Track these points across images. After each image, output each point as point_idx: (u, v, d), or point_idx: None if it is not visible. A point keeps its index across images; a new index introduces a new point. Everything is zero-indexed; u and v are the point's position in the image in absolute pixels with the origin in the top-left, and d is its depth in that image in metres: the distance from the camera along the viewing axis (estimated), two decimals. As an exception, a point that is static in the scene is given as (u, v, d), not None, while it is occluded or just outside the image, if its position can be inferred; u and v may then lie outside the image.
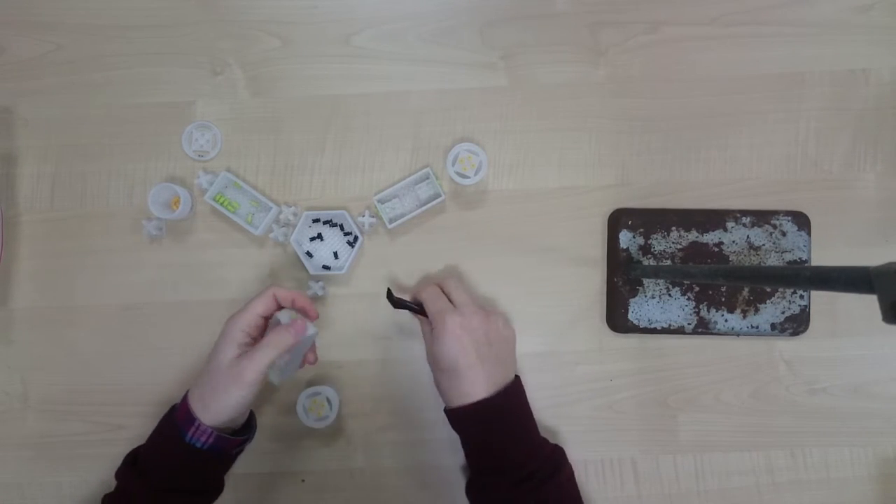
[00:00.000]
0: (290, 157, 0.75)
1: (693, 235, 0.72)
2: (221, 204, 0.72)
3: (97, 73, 0.75)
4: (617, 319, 0.72)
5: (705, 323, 0.71)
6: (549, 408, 0.73)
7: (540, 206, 0.74)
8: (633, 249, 0.72)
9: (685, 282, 0.72)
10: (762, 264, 0.72)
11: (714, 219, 0.72)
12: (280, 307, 0.62)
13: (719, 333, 0.72)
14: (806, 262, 0.72)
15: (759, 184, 0.75)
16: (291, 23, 0.76)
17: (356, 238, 0.72)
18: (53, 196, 0.74)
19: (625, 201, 0.74)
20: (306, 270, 0.72)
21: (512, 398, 0.63)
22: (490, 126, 0.75)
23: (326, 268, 0.72)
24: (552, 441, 0.65)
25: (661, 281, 0.72)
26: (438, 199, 0.72)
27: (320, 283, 0.72)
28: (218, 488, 0.62)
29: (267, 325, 0.61)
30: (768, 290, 0.72)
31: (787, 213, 0.73)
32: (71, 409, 0.73)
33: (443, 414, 0.63)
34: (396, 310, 0.66)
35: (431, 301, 0.63)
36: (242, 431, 0.61)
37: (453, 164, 0.72)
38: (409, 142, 0.75)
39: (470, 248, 0.74)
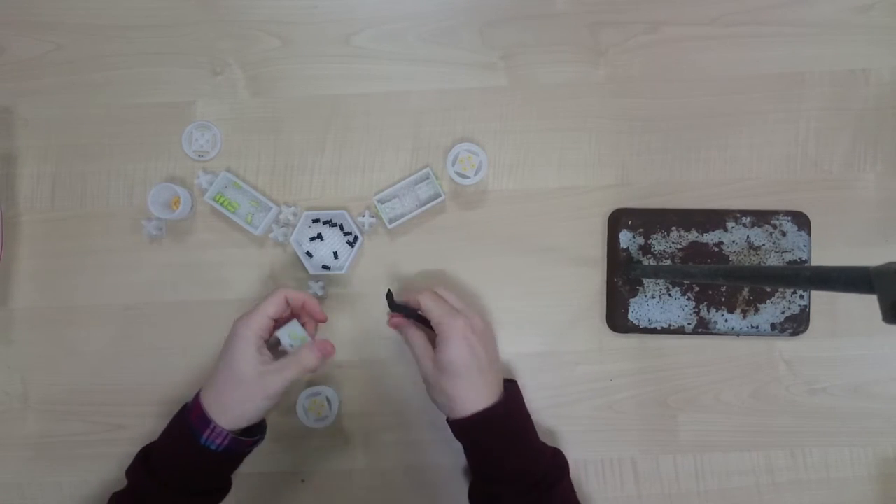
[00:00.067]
0: (290, 157, 0.75)
1: (693, 235, 0.72)
2: (221, 204, 0.72)
3: (97, 73, 0.75)
4: (617, 319, 0.72)
5: (705, 323, 0.71)
6: (549, 408, 0.73)
7: (540, 206, 0.74)
8: (633, 249, 0.72)
9: (685, 282, 0.72)
10: (762, 264, 0.72)
11: (714, 219, 0.72)
12: (289, 308, 0.62)
13: (719, 333, 0.72)
14: (806, 262, 0.72)
15: (759, 184, 0.75)
16: (291, 23, 0.76)
17: (356, 238, 0.72)
18: (53, 196, 0.74)
19: (625, 201, 0.74)
20: (306, 270, 0.72)
21: (515, 403, 0.63)
22: (490, 126, 0.75)
23: (326, 268, 0.72)
24: (549, 442, 0.66)
25: (661, 281, 0.72)
26: (438, 199, 0.72)
27: (320, 283, 0.72)
28: (227, 487, 0.62)
29: (276, 326, 0.61)
30: (768, 290, 0.72)
31: (787, 213, 0.73)
32: (71, 409, 0.73)
33: (442, 414, 0.63)
34: (394, 313, 0.66)
35: (435, 305, 0.61)
36: (253, 432, 0.61)
37: (453, 164, 0.72)
38: (409, 142, 0.75)
39: (470, 248, 0.74)
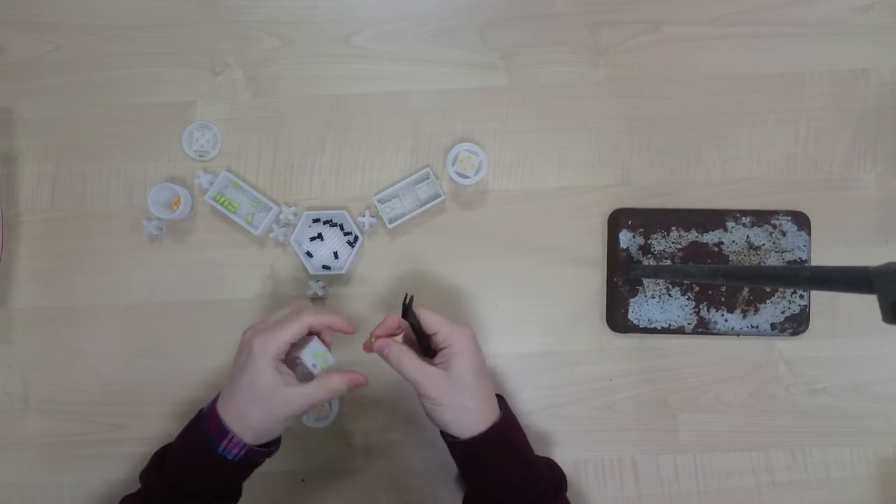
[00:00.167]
0: (290, 157, 0.75)
1: (693, 235, 0.72)
2: (221, 204, 0.72)
3: (97, 73, 0.75)
4: (617, 319, 0.72)
5: (705, 323, 0.71)
6: (549, 408, 0.73)
7: (540, 206, 0.74)
8: (633, 249, 0.72)
9: (685, 282, 0.72)
10: (762, 264, 0.72)
11: (714, 219, 0.72)
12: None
13: (719, 333, 0.72)
14: (806, 262, 0.72)
15: (759, 184, 0.75)
16: (291, 23, 0.76)
17: (356, 238, 0.72)
18: (53, 196, 0.74)
19: (625, 201, 0.74)
20: (306, 270, 0.72)
21: (513, 417, 0.62)
22: (490, 126, 0.75)
23: (326, 268, 0.72)
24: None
25: (661, 281, 0.72)
26: (438, 199, 0.72)
27: (320, 283, 0.73)
28: (238, 495, 0.61)
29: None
30: (768, 290, 0.72)
31: (787, 213, 0.73)
32: (71, 409, 0.73)
33: None
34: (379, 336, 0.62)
35: (438, 319, 0.58)
36: (269, 442, 0.60)
37: (453, 164, 0.72)
38: (409, 142, 0.75)
39: (470, 248, 0.74)
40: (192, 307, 0.73)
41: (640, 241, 0.72)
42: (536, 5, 0.76)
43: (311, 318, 0.57)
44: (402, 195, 0.74)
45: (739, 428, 0.73)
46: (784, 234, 0.72)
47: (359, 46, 0.76)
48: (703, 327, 0.72)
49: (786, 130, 0.75)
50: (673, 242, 0.72)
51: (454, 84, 0.75)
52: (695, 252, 0.72)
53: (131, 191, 0.74)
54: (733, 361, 0.73)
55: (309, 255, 0.72)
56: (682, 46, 0.76)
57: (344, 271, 0.72)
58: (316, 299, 0.73)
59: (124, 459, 0.72)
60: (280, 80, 0.75)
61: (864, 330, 0.73)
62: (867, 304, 0.42)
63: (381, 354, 0.59)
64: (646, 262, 0.72)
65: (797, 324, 0.72)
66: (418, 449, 0.73)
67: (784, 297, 0.72)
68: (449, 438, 0.60)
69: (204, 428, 0.56)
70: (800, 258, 0.72)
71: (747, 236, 0.72)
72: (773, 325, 0.71)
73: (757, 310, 0.71)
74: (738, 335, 0.72)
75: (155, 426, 0.72)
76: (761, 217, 0.72)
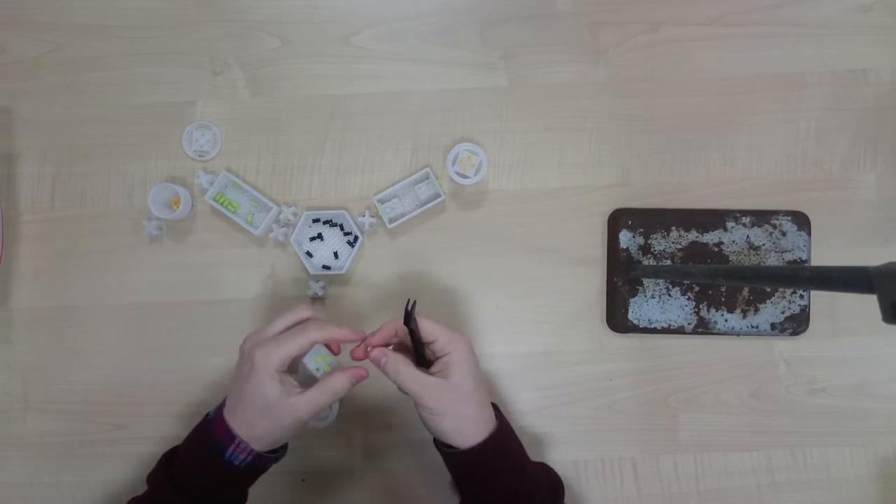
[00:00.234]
0: (290, 157, 0.75)
1: (693, 235, 0.72)
2: (221, 204, 0.72)
3: (97, 73, 0.75)
4: (617, 319, 0.72)
5: (705, 323, 0.71)
6: (549, 408, 0.73)
7: (540, 206, 0.74)
8: (633, 249, 0.72)
9: (685, 282, 0.72)
10: (762, 264, 0.72)
11: (714, 219, 0.72)
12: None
13: (719, 333, 0.72)
14: (806, 262, 0.72)
15: (759, 184, 0.75)
16: (291, 23, 0.76)
17: (356, 238, 0.73)
18: (53, 196, 0.74)
19: (625, 201, 0.74)
20: (306, 270, 0.72)
21: (508, 426, 0.61)
22: (490, 126, 0.75)
23: (326, 268, 0.72)
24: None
25: (661, 281, 0.72)
26: (438, 199, 0.72)
27: (320, 283, 0.73)
28: (244, 499, 0.61)
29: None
30: (768, 290, 0.72)
31: (787, 213, 0.73)
32: (71, 409, 0.73)
33: None
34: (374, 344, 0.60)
35: (437, 327, 0.57)
36: (276, 448, 0.59)
37: (453, 164, 0.72)
38: (409, 142, 0.75)
39: (470, 248, 0.74)
40: (192, 307, 0.73)
41: (640, 241, 0.72)
42: (536, 5, 0.76)
43: (318, 335, 0.55)
44: (402, 195, 0.74)
45: (739, 428, 0.73)
46: (784, 234, 0.72)
47: (359, 46, 0.76)
48: (703, 327, 0.72)
49: (786, 130, 0.75)
50: (673, 242, 0.72)
51: (454, 84, 0.75)
52: (695, 252, 0.72)
53: (131, 191, 0.75)
54: (733, 361, 0.73)
55: (309, 255, 0.72)
56: (682, 46, 0.76)
57: (344, 271, 0.72)
58: (316, 299, 0.73)
59: (124, 459, 0.72)
60: (280, 80, 0.75)
61: (864, 330, 0.73)
62: (867, 304, 0.42)
63: (378, 365, 0.57)
64: (646, 262, 0.72)
65: (797, 324, 0.72)
66: (418, 449, 0.72)
67: (784, 297, 0.72)
68: (444, 449, 0.59)
69: (211, 433, 0.56)
70: (800, 258, 0.72)
71: (747, 236, 0.72)
72: (773, 325, 0.71)
73: (757, 310, 0.71)
74: (738, 335, 0.72)
75: (155, 426, 0.72)
76: (761, 217, 0.72)
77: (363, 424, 0.73)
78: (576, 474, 0.73)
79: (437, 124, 0.75)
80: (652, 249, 0.72)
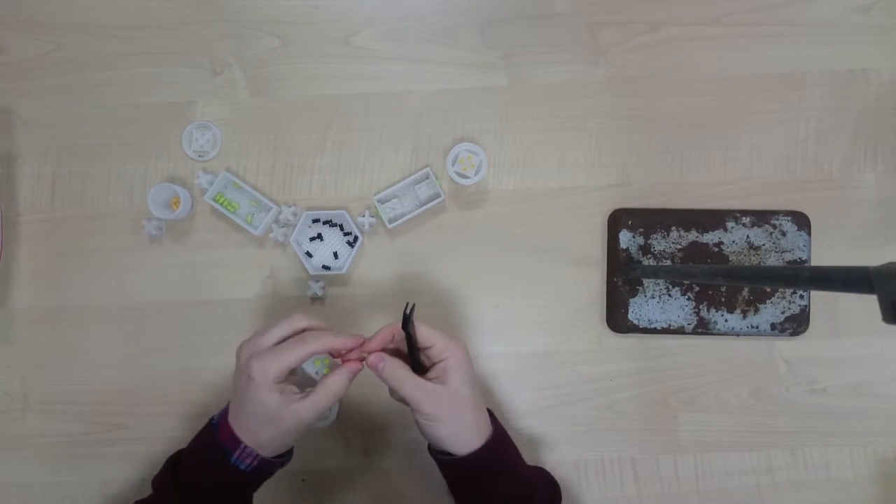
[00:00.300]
0: (290, 157, 0.75)
1: (693, 235, 0.72)
2: (221, 204, 0.72)
3: (97, 73, 0.75)
4: (617, 319, 0.72)
5: (705, 323, 0.71)
6: (549, 408, 0.73)
7: (540, 206, 0.74)
8: (633, 249, 0.72)
9: (685, 282, 0.72)
10: (762, 264, 0.72)
11: (714, 219, 0.72)
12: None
13: (719, 333, 0.72)
14: (806, 262, 0.72)
15: (759, 184, 0.75)
16: (291, 23, 0.76)
17: (356, 238, 0.72)
18: (53, 196, 0.74)
19: (625, 201, 0.74)
20: (306, 270, 0.72)
21: (503, 432, 0.61)
22: (490, 126, 0.75)
23: (326, 268, 0.72)
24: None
25: (661, 281, 0.72)
26: (438, 199, 0.72)
27: (320, 283, 0.73)
28: (249, 503, 0.61)
29: None
30: (768, 290, 0.72)
31: (787, 213, 0.73)
32: (71, 409, 0.73)
33: None
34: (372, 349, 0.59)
35: (434, 332, 0.56)
36: (282, 453, 0.59)
37: (453, 164, 0.72)
38: (409, 142, 0.75)
39: (470, 248, 0.74)
40: (192, 307, 0.73)
41: (640, 241, 0.72)
42: (536, 5, 0.76)
43: (316, 346, 0.54)
44: (402, 195, 0.74)
45: (739, 428, 0.73)
46: (784, 234, 0.72)
47: (359, 46, 0.76)
48: (703, 327, 0.72)
49: (786, 130, 0.75)
50: (673, 242, 0.72)
51: (454, 84, 0.75)
52: (695, 252, 0.72)
53: (131, 191, 0.75)
54: (733, 361, 0.73)
55: (309, 255, 0.72)
56: (682, 46, 0.76)
57: (343, 271, 0.72)
58: (315, 299, 0.73)
59: (124, 459, 0.72)
60: (280, 80, 0.75)
61: (864, 330, 0.73)
62: (867, 304, 0.42)
63: (375, 370, 0.56)
64: (646, 262, 0.72)
65: (797, 324, 0.72)
66: (417, 449, 0.72)
67: (784, 298, 0.72)
68: (440, 457, 0.58)
69: (216, 437, 0.56)
70: (800, 258, 0.72)
71: (747, 236, 0.72)
72: (773, 326, 0.71)
73: (757, 310, 0.71)
74: (738, 335, 0.72)
75: (155, 426, 0.72)
76: (761, 217, 0.72)
77: (363, 425, 0.73)
78: (576, 474, 0.73)
79: (437, 124, 0.75)
80: (652, 249, 0.72)
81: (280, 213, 0.73)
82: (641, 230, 0.72)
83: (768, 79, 0.75)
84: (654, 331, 0.72)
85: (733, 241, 0.72)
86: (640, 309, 0.72)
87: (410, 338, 0.55)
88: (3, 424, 0.73)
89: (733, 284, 0.71)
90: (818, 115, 0.75)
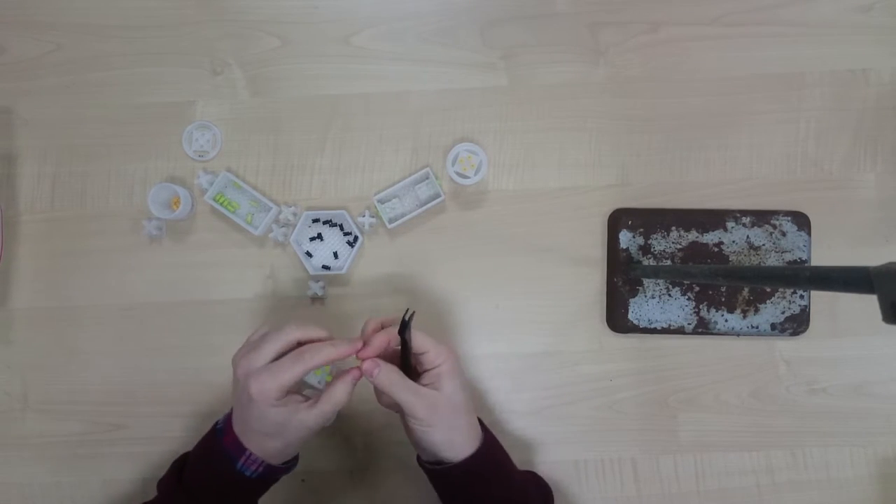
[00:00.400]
0: (290, 157, 0.75)
1: (693, 235, 0.72)
2: (221, 204, 0.72)
3: (97, 73, 0.75)
4: (617, 319, 0.72)
5: (705, 323, 0.71)
6: (549, 408, 0.73)
7: (540, 206, 0.74)
8: (633, 249, 0.72)
9: (685, 282, 0.72)
10: (762, 264, 0.72)
11: (714, 219, 0.72)
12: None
13: (719, 333, 0.72)
14: (806, 262, 0.72)
15: (759, 184, 0.75)
16: (291, 23, 0.76)
17: (356, 238, 0.72)
18: (53, 196, 0.74)
19: (625, 201, 0.74)
20: (306, 270, 0.72)
21: (493, 438, 0.61)
22: (490, 126, 0.75)
23: (326, 268, 0.72)
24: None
25: (661, 281, 0.72)
26: (438, 199, 0.72)
27: (320, 283, 0.73)
28: None
29: None
30: (768, 290, 0.72)
31: (787, 213, 0.73)
32: (71, 409, 0.73)
33: None
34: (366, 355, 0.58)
35: (427, 339, 0.56)
36: (288, 460, 0.59)
37: (453, 164, 0.72)
38: (409, 142, 0.75)
39: (470, 248, 0.74)
40: (192, 307, 0.73)
41: (640, 241, 0.72)
42: (536, 5, 0.76)
43: (315, 361, 0.53)
44: (402, 195, 0.74)
45: (739, 428, 0.73)
46: (784, 234, 0.72)
47: (359, 46, 0.76)
48: (703, 327, 0.72)
49: (786, 130, 0.75)
50: (673, 242, 0.72)
51: (454, 84, 0.75)
52: (695, 252, 0.72)
53: (131, 191, 0.75)
54: (733, 361, 0.73)
55: (309, 255, 0.72)
56: (682, 46, 0.76)
57: (343, 271, 0.72)
58: (315, 299, 0.73)
59: (124, 459, 0.72)
60: (280, 80, 0.75)
61: (864, 330, 0.73)
62: (867, 304, 0.42)
63: (370, 376, 0.55)
64: (646, 262, 0.72)
65: (797, 324, 0.72)
66: (418, 449, 0.72)
67: (784, 298, 0.72)
68: (429, 466, 0.58)
69: (221, 443, 0.56)
70: (800, 258, 0.72)
71: (747, 236, 0.72)
72: (773, 325, 0.71)
73: (757, 310, 0.71)
74: (738, 335, 0.72)
75: (155, 426, 0.72)
76: (761, 217, 0.72)
77: (363, 425, 0.73)
78: (576, 474, 0.73)
79: (437, 124, 0.75)
80: (652, 249, 0.72)
81: (280, 213, 0.73)
82: (641, 230, 0.72)
83: (768, 79, 0.75)
84: (654, 331, 0.72)
85: (733, 241, 0.72)
86: (640, 309, 0.72)
87: (406, 344, 0.55)
88: (3, 424, 0.73)
89: (733, 284, 0.71)
90: (818, 115, 0.75)
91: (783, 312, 0.72)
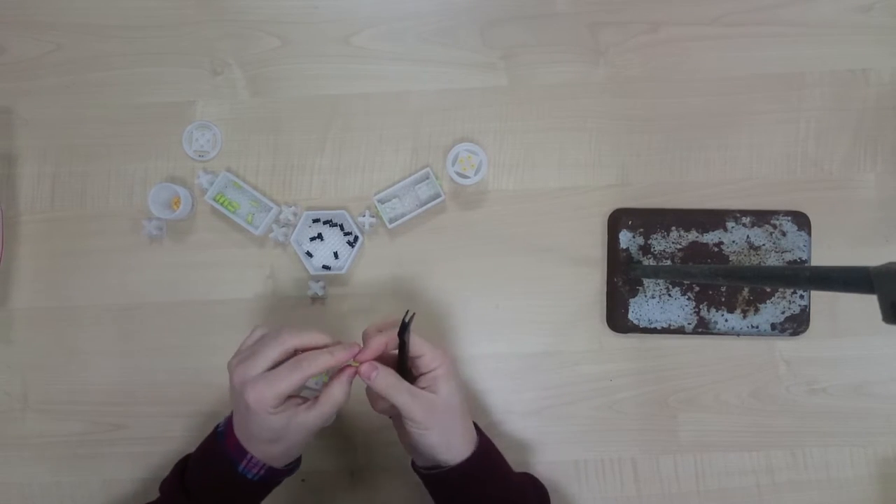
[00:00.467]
0: (290, 157, 0.75)
1: (693, 235, 0.72)
2: (221, 204, 0.72)
3: (97, 73, 0.75)
4: (617, 319, 0.72)
5: (705, 323, 0.71)
6: (549, 408, 0.73)
7: (540, 206, 0.74)
8: (633, 249, 0.72)
9: (685, 282, 0.72)
10: (762, 264, 0.72)
11: (714, 219, 0.72)
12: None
13: (719, 333, 0.72)
14: (806, 262, 0.72)
15: (759, 184, 0.75)
16: (291, 23, 0.76)
17: (356, 238, 0.73)
18: (53, 196, 0.74)
19: (625, 201, 0.74)
20: (306, 270, 0.72)
21: (489, 441, 0.61)
22: (490, 126, 0.75)
23: (326, 268, 0.72)
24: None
25: (661, 281, 0.72)
26: (438, 199, 0.72)
27: (320, 283, 0.73)
28: None
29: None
30: (768, 290, 0.72)
31: (787, 213, 0.73)
32: (71, 409, 0.73)
33: None
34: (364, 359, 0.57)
35: (423, 342, 0.56)
36: (289, 462, 0.59)
37: (453, 164, 0.72)
38: (409, 142, 0.75)
39: (470, 248, 0.74)
40: (192, 307, 0.73)
41: (640, 241, 0.72)
42: (536, 5, 0.76)
43: (312, 369, 0.52)
44: (402, 195, 0.74)
45: (739, 428, 0.73)
46: (784, 234, 0.72)
47: (359, 46, 0.76)
48: (703, 327, 0.72)
49: (786, 130, 0.75)
50: (673, 242, 0.72)
51: (454, 84, 0.75)
52: (695, 252, 0.72)
53: (131, 191, 0.75)
54: (733, 361, 0.73)
55: (309, 255, 0.72)
56: (682, 46, 0.76)
57: (344, 271, 0.72)
58: (316, 299, 0.73)
59: (124, 459, 0.72)
60: (280, 80, 0.75)
61: (864, 330, 0.73)
62: (867, 304, 0.42)
63: (367, 379, 0.54)
64: (646, 262, 0.72)
65: (797, 324, 0.72)
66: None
67: (784, 298, 0.72)
68: (424, 472, 0.58)
69: (222, 446, 0.56)
70: (800, 258, 0.72)
71: (747, 236, 0.72)
72: (773, 325, 0.71)
73: (757, 310, 0.71)
74: (739, 335, 0.72)
75: (155, 426, 0.72)
76: (761, 217, 0.72)
77: (363, 425, 0.73)
78: (576, 474, 0.73)
79: (437, 124, 0.75)
80: (652, 249, 0.72)
81: (280, 212, 0.73)
82: (641, 230, 0.72)
83: (768, 79, 0.75)
84: (654, 331, 0.72)
85: (733, 241, 0.72)
86: (640, 309, 0.72)
87: (405, 346, 0.55)
88: (3, 424, 0.73)
89: (733, 284, 0.71)
90: (818, 115, 0.75)
91: (783, 312, 0.72)
